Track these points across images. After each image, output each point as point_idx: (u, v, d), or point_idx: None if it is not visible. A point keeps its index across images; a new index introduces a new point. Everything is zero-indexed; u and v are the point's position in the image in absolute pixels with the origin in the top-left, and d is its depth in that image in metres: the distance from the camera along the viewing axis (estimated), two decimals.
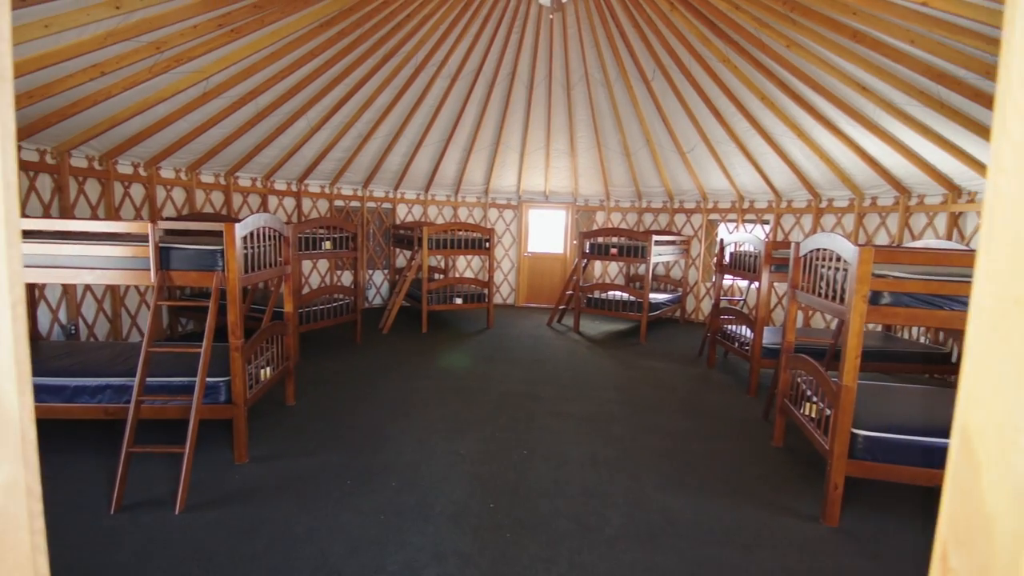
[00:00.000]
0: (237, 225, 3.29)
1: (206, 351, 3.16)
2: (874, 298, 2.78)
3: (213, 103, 5.74)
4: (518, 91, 7.68)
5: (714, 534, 2.81)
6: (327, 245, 6.20)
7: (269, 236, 3.97)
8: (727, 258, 6.10)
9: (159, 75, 4.80)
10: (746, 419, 4.54)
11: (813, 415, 3.36)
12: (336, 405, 4.50)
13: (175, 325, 6.77)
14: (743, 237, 5.70)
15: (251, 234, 3.60)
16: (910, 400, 3.47)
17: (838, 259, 3.10)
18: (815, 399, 3.35)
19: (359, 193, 9.06)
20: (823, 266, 3.34)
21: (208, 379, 3.37)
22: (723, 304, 6.40)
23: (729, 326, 6.08)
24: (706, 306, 9.15)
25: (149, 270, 3.23)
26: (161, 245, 3.26)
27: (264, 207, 7.96)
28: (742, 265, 5.63)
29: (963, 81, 4.35)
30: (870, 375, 5.52)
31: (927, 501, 3.21)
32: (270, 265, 4.01)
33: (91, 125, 5.07)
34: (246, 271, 3.52)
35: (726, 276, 6.28)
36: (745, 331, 5.58)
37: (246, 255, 3.51)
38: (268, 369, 3.99)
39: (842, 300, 3.01)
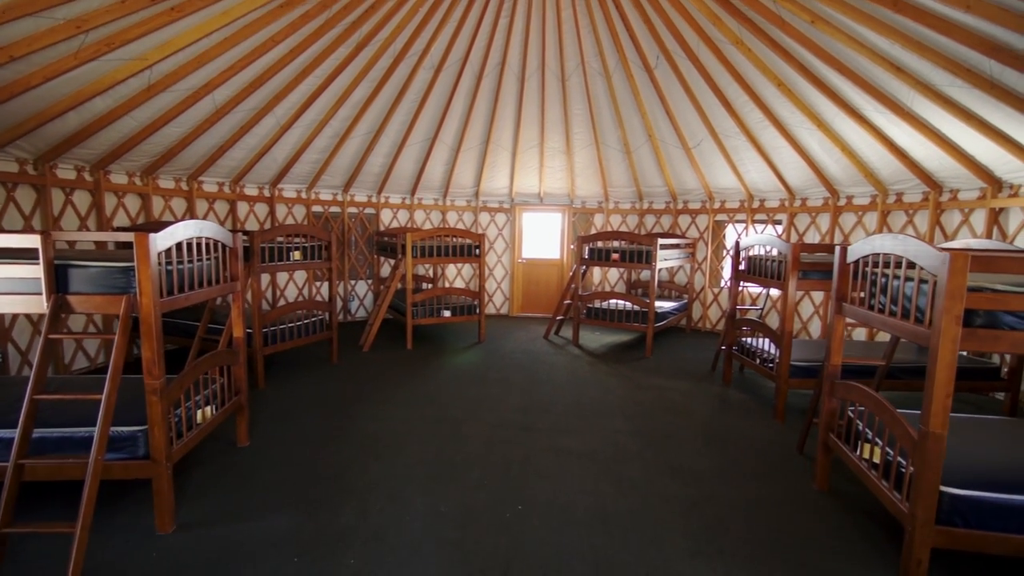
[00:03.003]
0: (154, 235, 2.62)
1: (108, 396, 2.48)
2: (967, 319, 2.13)
3: (162, 97, 5.07)
4: (508, 83, 7.05)
5: None
6: (296, 255, 5.52)
7: (210, 248, 3.30)
8: (744, 263, 5.46)
9: (88, 62, 4.13)
10: (778, 452, 3.89)
11: (875, 460, 2.71)
12: (297, 445, 3.82)
13: (130, 347, 6.06)
14: (763, 239, 5.06)
15: (181, 247, 2.93)
16: (997, 438, 2.82)
17: (910, 267, 2.46)
18: (878, 441, 2.70)
19: (339, 198, 8.39)
20: (882, 275, 2.70)
21: (121, 429, 2.70)
22: (740, 315, 5.75)
23: (747, 339, 5.44)
24: (713, 314, 8.52)
25: (41, 294, 2.55)
26: (57, 263, 2.59)
27: (233, 214, 7.28)
28: (762, 271, 4.99)
29: (1023, 55, 3.73)
30: (900, 395, 4.89)
31: None
32: (212, 282, 3.33)
33: (13, 123, 4.39)
34: (172, 292, 2.85)
35: (743, 283, 5.61)
36: (767, 345, 4.94)
37: (172, 272, 2.84)
38: (209, 408, 3.31)
39: (919, 320, 2.36)
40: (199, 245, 3.13)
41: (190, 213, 6.74)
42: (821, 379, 3.62)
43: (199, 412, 3.21)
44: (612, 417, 4.53)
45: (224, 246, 3.48)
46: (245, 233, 5.02)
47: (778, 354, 4.59)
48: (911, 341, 2.39)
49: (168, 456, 2.73)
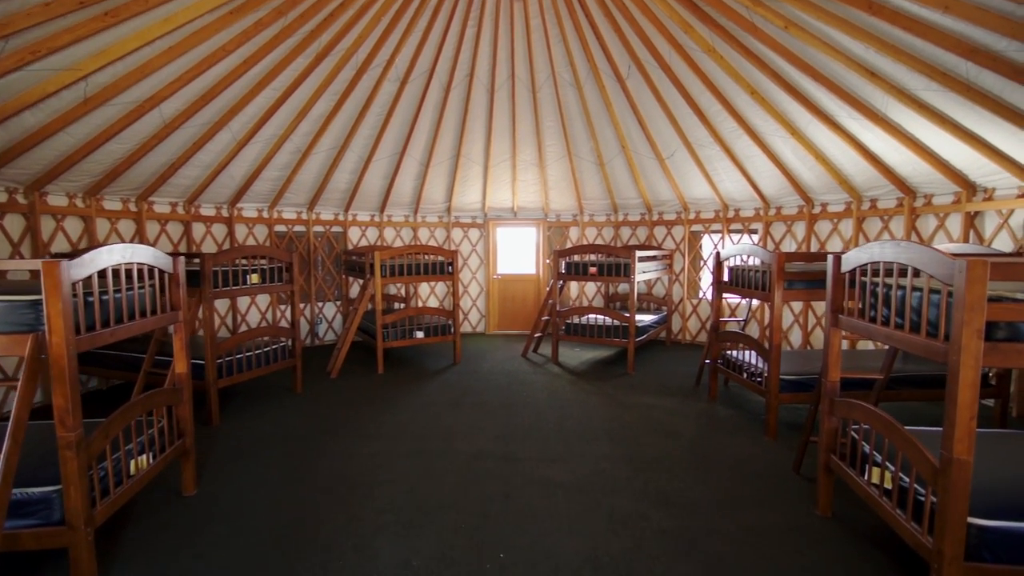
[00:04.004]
0: (67, 263, 2.26)
1: (8, 456, 2.08)
2: (989, 331, 1.94)
3: (102, 111, 4.68)
4: (478, 95, 6.84)
5: None
6: (254, 279, 5.13)
7: (144, 275, 2.93)
8: (726, 274, 5.30)
9: (12, 71, 3.73)
10: (774, 473, 3.66)
11: (887, 485, 2.49)
12: (252, 490, 3.43)
13: None
14: (745, 249, 4.91)
15: (105, 274, 2.57)
16: (1016, 455, 2.63)
17: (916, 275, 2.27)
18: (888, 465, 2.48)
19: (304, 216, 8.00)
20: (883, 284, 2.52)
21: (31, 491, 2.30)
22: (723, 327, 5.57)
23: (731, 351, 5.26)
24: (693, 326, 8.38)
25: None
26: None
27: (188, 236, 6.83)
28: (745, 282, 4.82)
29: (1001, 56, 3.67)
30: (895, 407, 4.76)
31: None
32: (147, 313, 2.96)
33: None
34: (93, 327, 2.47)
35: (726, 295, 5.45)
36: (753, 358, 4.76)
37: (94, 304, 2.47)
38: (145, 457, 2.91)
39: (931, 334, 2.17)
40: (130, 272, 2.76)
41: (139, 236, 6.28)
42: (817, 394, 3.42)
43: (133, 462, 2.81)
44: (598, 441, 4.25)
45: (162, 272, 3.11)
46: (195, 256, 4.64)
47: (766, 368, 4.41)
48: (924, 356, 2.18)
49: (88, 520, 2.33)
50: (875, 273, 2.61)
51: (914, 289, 2.30)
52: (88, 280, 2.44)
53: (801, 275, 4.20)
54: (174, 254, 3.39)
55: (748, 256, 4.92)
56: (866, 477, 2.65)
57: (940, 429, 2.81)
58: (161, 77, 4.65)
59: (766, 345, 4.59)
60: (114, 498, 2.59)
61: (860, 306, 2.78)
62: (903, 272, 2.37)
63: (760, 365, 4.58)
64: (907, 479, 2.33)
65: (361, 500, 3.29)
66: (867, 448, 2.69)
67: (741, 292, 4.99)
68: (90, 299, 2.46)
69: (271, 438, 4.36)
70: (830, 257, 2.99)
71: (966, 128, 4.55)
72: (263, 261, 5.38)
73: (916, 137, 5.04)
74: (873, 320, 2.63)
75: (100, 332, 2.51)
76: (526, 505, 3.21)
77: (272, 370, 5.39)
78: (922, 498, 2.22)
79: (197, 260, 4.59)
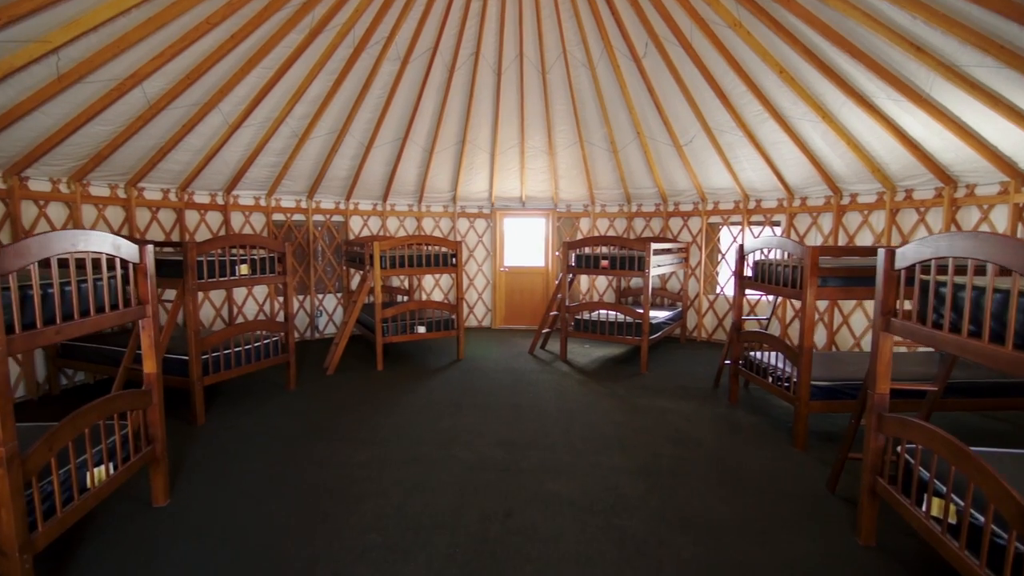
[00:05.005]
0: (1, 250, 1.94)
1: None
2: None
3: (79, 90, 4.36)
4: (484, 76, 6.45)
5: None
6: (243, 269, 4.82)
7: (103, 265, 2.62)
8: (749, 269, 4.90)
9: None
10: (806, 491, 3.29)
11: (951, 519, 2.12)
12: (228, 502, 3.13)
13: (54, 376, 5.27)
14: (772, 242, 4.51)
15: (50, 264, 2.25)
16: None
17: (1002, 273, 1.89)
18: (956, 499, 2.11)
19: (303, 205, 7.68)
20: (951, 284, 2.13)
21: None
22: (745, 326, 5.18)
23: (754, 352, 4.88)
24: (709, 323, 7.97)
25: None
26: None
27: (180, 224, 6.54)
28: (772, 277, 4.42)
29: None
30: (952, 416, 4.35)
31: None
32: (107, 308, 2.64)
33: None
34: (33, 324, 2.16)
35: (749, 292, 5.06)
36: (779, 360, 4.37)
37: (33, 298, 2.16)
38: (105, 468, 2.61)
39: (1020, 346, 1.78)
40: (84, 262, 2.44)
41: (128, 224, 6.00)
42: (860, 404, 3.04)
43: (89, 475, 2.51)
44: (609, 451, 3.90)
45: (126, 262, 2.79)
46: (177, 245, 4.33)
47: (794, 372, 4.03)
48: (1010, 372, 1.80)
49: (25, 545, 2.03)
50: (940, 270, 2.22)
51: (996, 291, 1.91)
52: (27, 271, 2.12)
53: (837, 271, 3.80)
54: (142, 241, 3.07)
55: (773, 250, 4.51)
56: (924, 508, 2.28)
57: (1019, 452, 2.43)
58: (140, 52, 4.32)
59: (792, 346, 4.19)
60: (62, 517, 2.28)
61: (919, 308, 2.39)
62: (979, 270, 1.98)
63: (786, 368, 4.20)
64: (981, 517, 1.96)
65: (347, 515, 2.97)
66: (926, 474, 2.31)
67: (765, 288, 4.59)
68: (29, 292, 2.15)
69: (257, 440, 4.06)
70: (881, 252, 2.60)
71: (1022, 110, 4.10)
72: (254, 251, 5.07)
73: (962, 120, 4.59)
74: (937, 326, 2.24)
75: (43, 330, 2.19)
76: (529, 526, 2.88)
77: (263, 366, 5.10)
78: (1002, 542, 1.85)
79: (176, 249, 4.28)
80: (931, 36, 3.94)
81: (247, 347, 4.92)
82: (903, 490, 2.47)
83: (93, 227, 5.73)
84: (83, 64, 4.11)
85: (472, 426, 4.36)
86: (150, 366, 2.99)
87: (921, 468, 2.36)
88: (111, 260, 2.67)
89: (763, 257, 4.71)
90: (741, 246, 4.92)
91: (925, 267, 2.37)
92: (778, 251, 4.39)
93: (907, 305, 2.57)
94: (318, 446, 3.95)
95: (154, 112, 5.03)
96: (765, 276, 4.55)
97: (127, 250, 2.78)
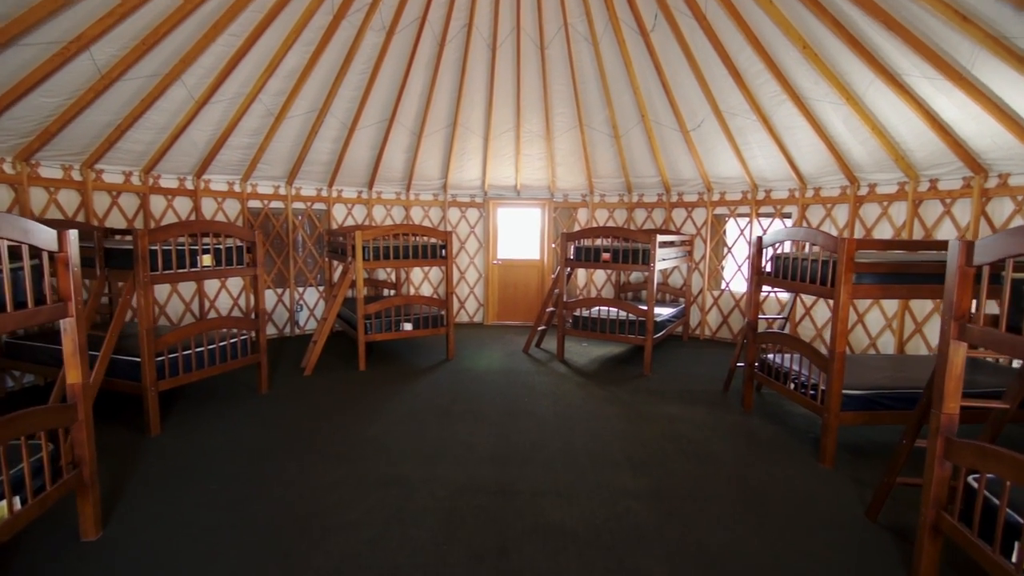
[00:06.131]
0: None
1: None
2: None
3: (13, 54, 3.82)
4: (477, 51, 5.94)
5: None
6: (206, 260, 4.31)
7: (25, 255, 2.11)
8: (767, 263, 4.46)
9: None
10: (844, 521, 2.87)
11: None
12: (172, 535, 2.64)
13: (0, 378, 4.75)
14: (798, 233, 4.07)
15: None
16: None
17: None
18: None
19: (281, 191, 7.14)
20: None
21: None
22: (761, 325, 4.74)
23: (771, 355, 4.45)
24: (713, 319, 7.55)
25: None
26: None
27: (144, 210, 5.98)
28: (796, 273, 3.98)
29: None
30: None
31: None
32: (6, 306, 2.14)
33: None
34: None
35: (766, 288, 4.63)
36: (800, 364, 3.94)
37: None
38: (7, 503, 2.12)
39: None
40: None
41: (85, 209, 5.44)
42: (915, 422, 2.61)
43: None
44: (616, 467, 3.46)
45: (42, 251, 2.28)
46: (127, 232, 3.82)
47: (822, 380, 3.60)
48: None
49: None
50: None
51: None
52: None
53: (877, 267, 3.36)
54: (65, 223, 2.55)
55: (802, 242, 4.07)
56: (1015, 560, 1.85)
57: None
58: (83, 12, 3.78)
59: (813, 347, 3.76)
60: None
61: (1011, 312, 1.94)
62: None
63: (810, 374, 3.77)
64: None
65: (309, 552, 2.51)
66: (1017, 518, 1.88)
67: (786, 285, 4.14)
68: None
69: (217, 454, 3.58)
70: (955, 244, 2.15)
71: None
72: (220, 240, 4.55)
73: (1004, 102, 4.16)
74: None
75: None
76: (527, 567, 2.42)
77: (231, 368, 4.60)
78: None
79: (127, 237, 3.77)
80: (982, 2, 3.49)
81: (211, 347, 4.42)
82: (980, 533, 2.04)
83: (43, 212, 5.18)
84: (13, 23, 3.56)
85: (461, 438, 3.90)
86: (73, 376, 2.49)
87: (1010, 511, 1.92)
88: (32, 249, 2.16)
89: (784, 250, 4.27)
90: (759, 238, 4.47)
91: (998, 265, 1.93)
92: (807, 243, 3.94)
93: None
94: (286, 461, 3.48)
95: (106, 83, 4.48)
96: (787, 271, 4.11)
97: (42, 237, 2.27)
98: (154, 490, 3.08)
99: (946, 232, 5.39)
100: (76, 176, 5.35)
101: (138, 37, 4.25)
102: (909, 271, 3.34)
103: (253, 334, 4.86)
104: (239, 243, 4.67)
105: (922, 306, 5.55)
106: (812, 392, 3.73)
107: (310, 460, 3.51)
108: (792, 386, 3.99)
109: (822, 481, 3.32)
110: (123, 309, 3.80)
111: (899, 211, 5.75)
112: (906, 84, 4.52)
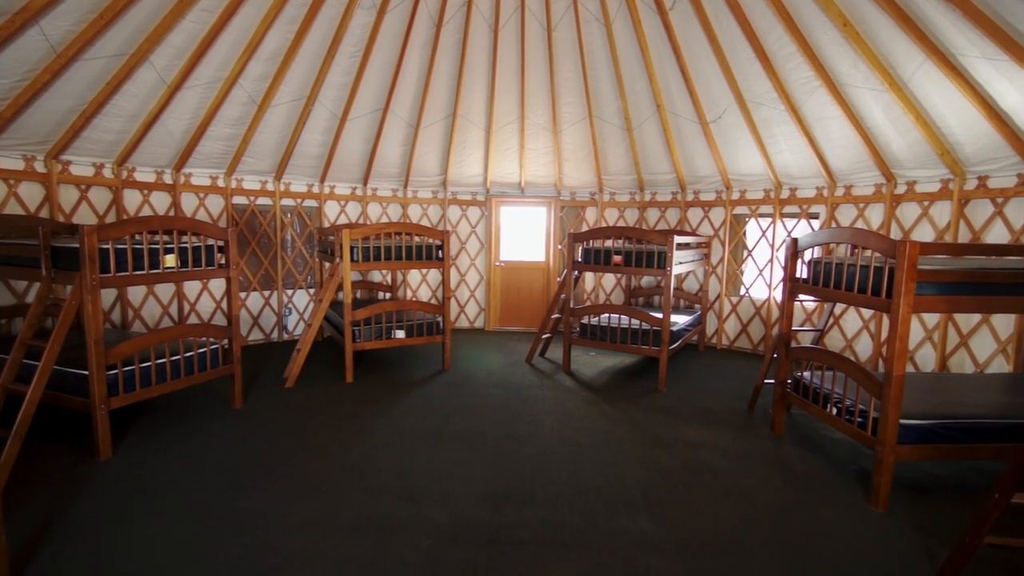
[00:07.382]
0: None
1: None
2: None
3: None
4: (478, 32, 5.45)
5: None
6: (168, 260, 3.83)
7: None
8: (803, 269, 3.93)
9: None
10: None
11: None
12: None
13: None
14: (843, 235, 3.54)
15: None
16: None
17: None
18: None
19: (269, 187, 6.68)
20: None
21: None
22: (797, 339, 4.21)
23: (804, 372, 3.93)
24: (731, 328, 7.02)
25: None
26: None
27: (117, 206, 5.53)
28: (839, 281, 3.45)
29: None
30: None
31: None
32: None
33: None
34: None
35: (801, 297, 4.11)
36: (843, 385, 3.41)
37: None
38: None
39: None
40: None
41: (49, 204, 5.00)
42: (1011, 476, 2.09)
43: None
44: (631, 507, 2.95)
45: None
46: (72, 228, 3.35)
47: (874, 406, 3.07)
48: None
49: None
50: None
51: None
52: None
53: (942, 275, 2.83)
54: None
55: (848, 245, 3.54)
56: None
57: None
58: None
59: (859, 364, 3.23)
60: None
61: None
62: None
63: (857, 397, 3.24)
64: None
65: None
66: None
67: (827, 295, 3.62)
68: None
69: (174, 484, 3.10)
70: None
71: None
72: (187, 238, 4.08)
73: None
74: None
75: None
76: None
77: (198, 380, 4.12)
78: None
79: (71, 233, 3.31)
80: None
81: (175, 358, 3.94)
82: None
83: (2, 207, 4.74)
84: None
85: (452, 467, 3.40)
86: None
87: None
88: None
89: (824, 255, 3.74)
90: (795, 240, 3.94)
91: None
92: (853, 247, 3.42)
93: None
94: (251, 493, 3.00)
95: (63, 62, 4.03)
96: (827, 279, 3.58)
97: None
98: (87, 534, 2.60)
99: (996, 235, 4.84)
100: (39, 168, 4.92)
101: (95, 10, 3.79)
102: (984, 280, 2.81)
103: (226, 342, 4.39)
104: (211, 242, 4.20)
105: (967, 317, 5.00)
106: (860, 420, 3.20)
107: (278, 492, 3.03)
108: (834, 411, 3.46)
109: (875, 527, 2.79)
110: (68, 314, 3.33)
111: (941, 211, 5.20)
112: (961, 66, 3.99)
